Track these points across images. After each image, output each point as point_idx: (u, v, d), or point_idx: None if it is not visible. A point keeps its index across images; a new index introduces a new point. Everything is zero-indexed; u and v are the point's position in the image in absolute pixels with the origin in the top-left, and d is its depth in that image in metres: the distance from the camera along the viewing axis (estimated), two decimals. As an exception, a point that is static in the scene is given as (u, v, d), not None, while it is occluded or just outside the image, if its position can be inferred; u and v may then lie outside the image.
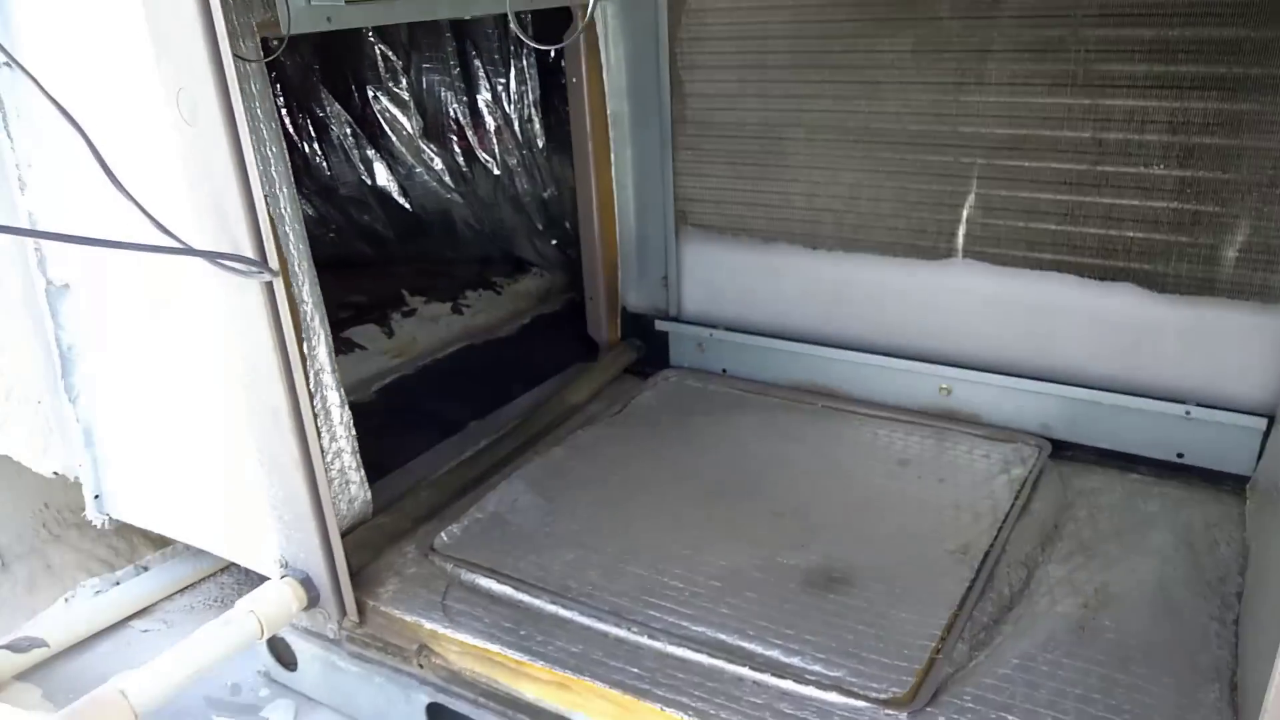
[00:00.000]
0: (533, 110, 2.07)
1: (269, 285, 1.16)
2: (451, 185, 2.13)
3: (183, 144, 1.15)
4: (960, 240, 1.64)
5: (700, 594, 1.30)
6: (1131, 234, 1.50)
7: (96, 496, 1.54)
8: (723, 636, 1.21)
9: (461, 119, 2.05)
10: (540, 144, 2.10)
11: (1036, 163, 1.55)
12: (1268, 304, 1.42)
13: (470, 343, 2.03)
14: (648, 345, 1.98)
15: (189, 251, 1.14)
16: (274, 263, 1.15)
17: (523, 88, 2.05)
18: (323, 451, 1.38)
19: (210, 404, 1.36)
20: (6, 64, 1.33)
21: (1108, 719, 1.04)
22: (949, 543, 1.36)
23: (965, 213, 1.62)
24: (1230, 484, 1.47)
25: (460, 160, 2.10)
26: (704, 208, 1.86)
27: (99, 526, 1.58)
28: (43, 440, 1.54)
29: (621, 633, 1.24)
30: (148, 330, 1.40)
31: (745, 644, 1.20)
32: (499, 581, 1.35)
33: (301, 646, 1.42)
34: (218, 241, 1.17)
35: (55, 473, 1.57)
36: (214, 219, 1.16)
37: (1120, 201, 1.50)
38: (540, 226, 2.19)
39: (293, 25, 1.18)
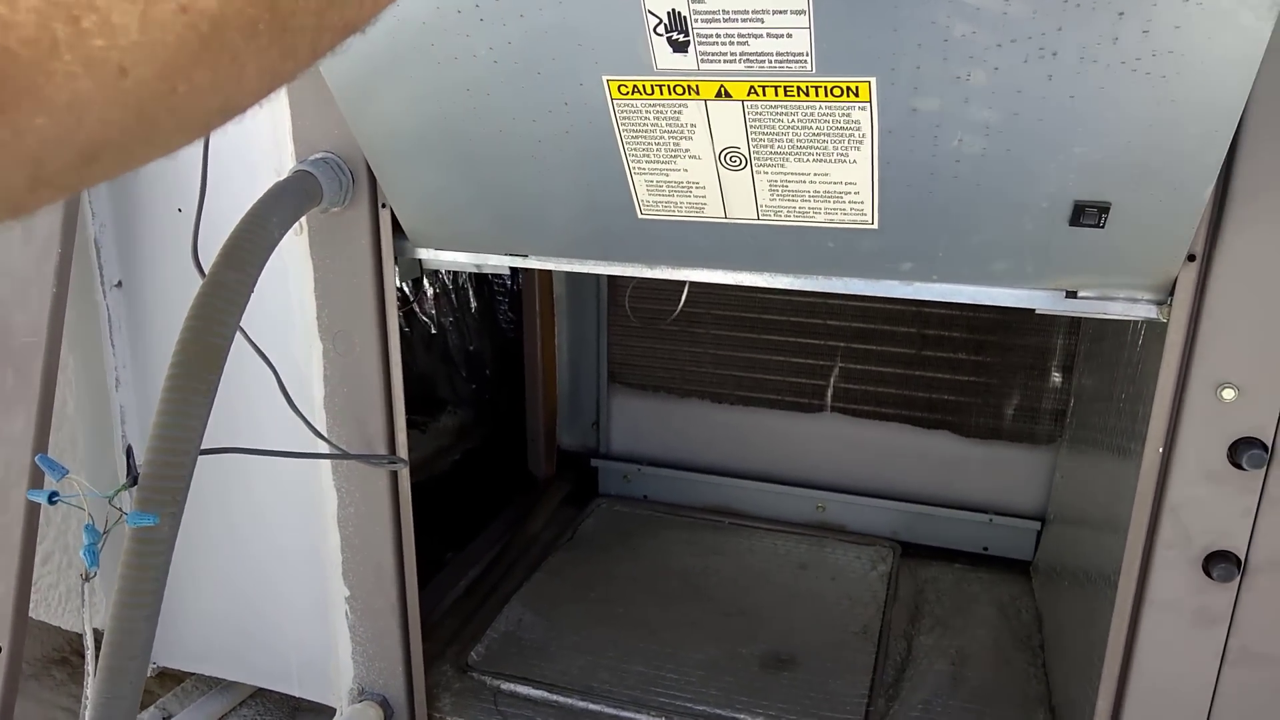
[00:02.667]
0: (468, 280, 2.46)
1: (394, 473, 1.51)
2: (392, 341, 2.46)
3: (328, 366, 1.48)
4: (829, 399, 2.23)
5: (692, 681, 1.74)
6: (946, 397, 2.16)
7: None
8: (720, 712, 1.67)
9: (406, 288, 2.40)
10: (473, 307, 2.49)
11: (881, 347, 2.17)
12: (1035, 445, 2.10)
13: (417, 480, 2.35)
14: (578, 476, 2.42)
15: (344, 455, 1.47)
16: (404, 454, 1.50)
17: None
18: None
19: (291, 561, 1.65)
20: (117, 285, 1.59)
21: (986, 740, 1.60)
22: (853, 626, 1.90)
23: (832, 380, 2.21)
24: (1020, 568, 2.09)
25: (402, 320, 2.44)
26: (630, 370, 2.34)
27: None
28: (89, 600, 1.73)
29: (645, 717, 1.66)
30: (221, 503, 1.66)
31: (738, 715, 1.65)
32: (534, 688, 1.72)
33: (368, 758, 1.70)
34: (350, 438, 1.50)
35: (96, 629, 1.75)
36: (353, 421, 1.49)
37: (938, 375, 2.15)
38: (464, 374, 2.57)
39: (403, 274, 1.54)
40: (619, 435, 2.40)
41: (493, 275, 2.49)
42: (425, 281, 2.48)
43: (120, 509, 1.10)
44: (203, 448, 1.13)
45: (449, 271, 2.44)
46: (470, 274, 2.49)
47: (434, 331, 2.53)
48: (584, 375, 2.39)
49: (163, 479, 1.07)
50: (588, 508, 2.33)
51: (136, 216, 1.60)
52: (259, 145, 1.47)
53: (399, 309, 2.40)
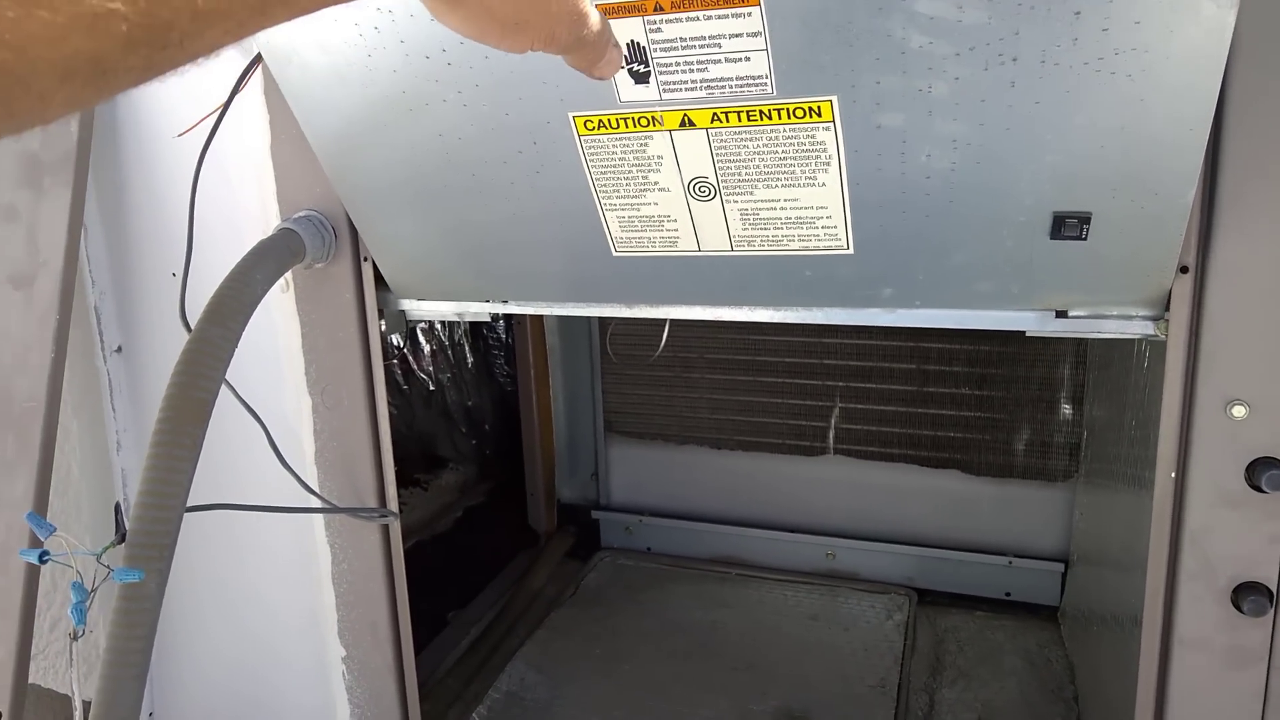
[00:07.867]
0: (464, 336, 2.45)
1: (385, 526, 1.47)
2: (390, 400, 2.43)
3: (318, 420, 1.46)
4: (831, 441, 2.18)
5: (701, 740, 1.68)
6: (952, 434, 2.10)
7: (150, 715, 1.70)
8: (730, 771, 1.60)
9: (400, 343, 2.39)
10: (469, 362, 2.47)
11: (881, 385, 2.12)
12: (1050, 482, 2.04)
13: (419, 539, 2.31)
14: (580, 529, 2.37)
15: (334, 509, 1.44)
16: (394, 507, 1.46)
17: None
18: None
19: (288, 622, 1.61)
20: (117, 351, 1.58)
21: (1013, 795, 1.52)
22: (869, 679, 1.83)
23: (833, 420, 2.17)
24: (1046, 613, 2.00)
25: (400, 378, 2.43)
26: (627, 418, 2.31)
27: (146, 747, 1.73)
28: (76, 660, 1.69)
29: (651, 778, 1.60)
30: (215, 566, 1.63)
31: (749, 774, 1.59)
32: (537, 751, 1.67)
33: (366, 830, 1.63)
34: (341, 493, 1.47)
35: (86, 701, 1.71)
36: (343, 475, 1.46)
37: (942, 412, 2.10)
38: (464, 429, 2.54)
39: (390, 327, 1.52)
40: (619, 486, 2.36)
41: (487, 330, 2.48)
42: (421, 338, 2.47)
43: (109, 567, 1.07)
44: (190, 504, 1.11)
45: (444, 327, 2.43)
46: (465, 329, 2.48)
47: (432, 388, 2.51)
48: (581, 426, 2.36)
49: (149, 535, 1.04)
50: (590, 561, 2.28)
51: (134, 283, 1.60)
52: (245, 209, 1.47)
53: (396, 365, 2.39)
